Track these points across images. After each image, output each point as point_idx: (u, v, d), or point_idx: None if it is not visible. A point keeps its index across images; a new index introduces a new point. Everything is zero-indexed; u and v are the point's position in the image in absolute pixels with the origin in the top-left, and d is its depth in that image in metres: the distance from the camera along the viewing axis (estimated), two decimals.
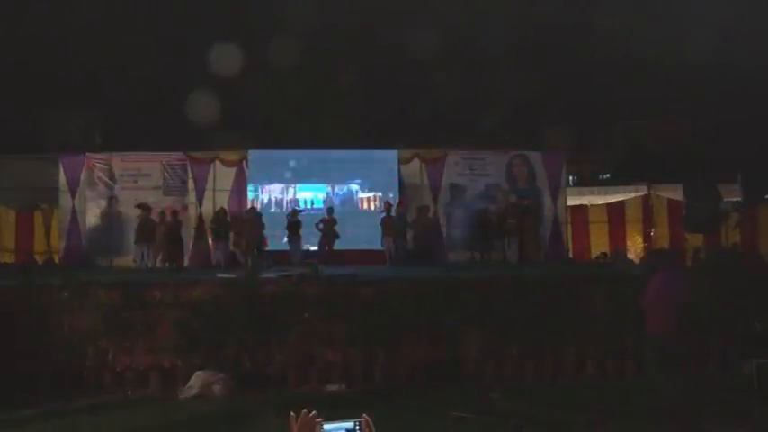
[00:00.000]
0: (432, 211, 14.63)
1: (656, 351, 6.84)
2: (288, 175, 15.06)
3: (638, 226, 15.91)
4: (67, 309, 8.32)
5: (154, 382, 8.19)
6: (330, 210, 13.92)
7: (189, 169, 14.58)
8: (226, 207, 14.00)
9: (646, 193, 15.64)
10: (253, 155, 14.95)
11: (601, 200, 16.25)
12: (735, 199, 14.47)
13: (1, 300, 8.41)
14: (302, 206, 14.43)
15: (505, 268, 12.18)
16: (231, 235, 13.58)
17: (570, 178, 16.52)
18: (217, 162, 14.74)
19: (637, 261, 13.51)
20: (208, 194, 14.54)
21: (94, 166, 14.50)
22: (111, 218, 14.26)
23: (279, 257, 12.95)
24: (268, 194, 14.93)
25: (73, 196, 14.31)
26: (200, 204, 14.46)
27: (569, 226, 15.46)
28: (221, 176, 14.66)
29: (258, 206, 14.29)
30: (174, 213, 13.62)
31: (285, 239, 13.53)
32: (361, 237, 13.92)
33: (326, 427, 1.88)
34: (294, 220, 13.53)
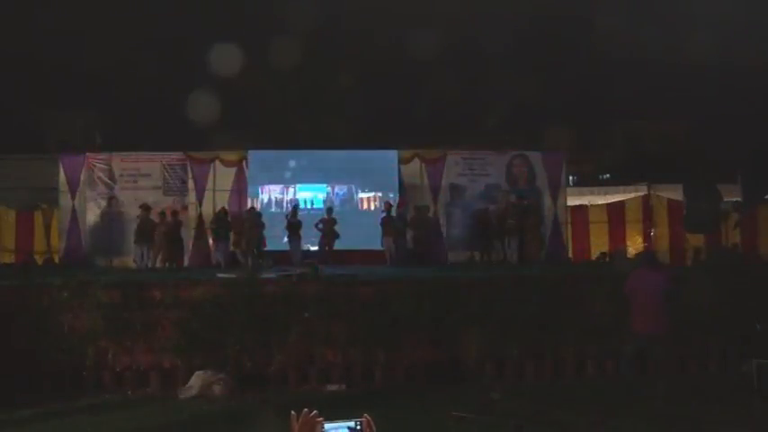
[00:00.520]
0: (432, 211, 14.64)
1: (631, 347, 7.09)
2: (288, 175, 15.06)
3: (638, 226, 15.90)
4: (67, 309, 8.32)
5: (154, 382, 8.19)
6: (330, 210, 13.92)
7: (189, 169, 14.58)
8: (226, 207, 14.00)
9: (646, 193, 15.63)
10: (253, 155, 14.94)
11: (601, 200, 16.25)
12: (735, 199, 14.46)
13: (1, 300, 8.41)
14: (302, 206, 14.43)
15: (505, 268, 12.19)
16: (231, 235, 13.58)
17: (570, 178, 16.51)
18: (217, 162, 14.74)
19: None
20: (208, 194, 14.54)
21: (94, 166, 14.50)
22: (111, 218, 14.25)
23: (279, 257, 12.95)
24: (268, 194, 14.93)
25: (73, 196, 14.31)
26: (201, 204, 14.47)
27: (569, 226, 15.46)
28: (221, 176, 14.66)
29: (258, 206, 14.30)
30: (174, 213, 13.63)
31: (285, 239, 13.53)
32: (361, 237, 13.91)
33: (327, 426, 1.88)
34: (294, 221, 13.53)
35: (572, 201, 15.66)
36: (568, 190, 15.75)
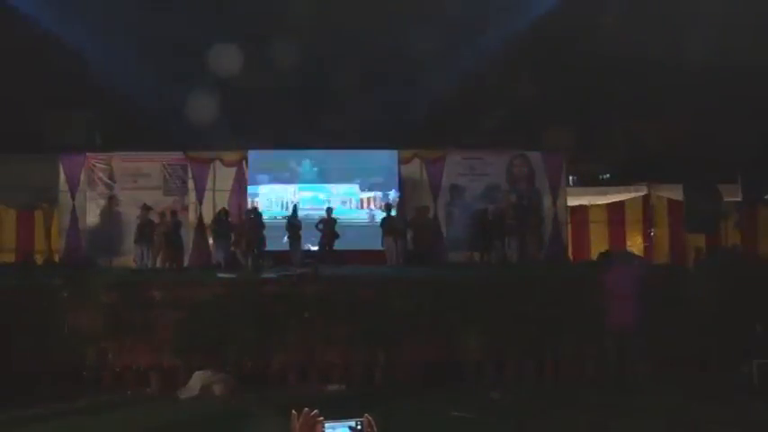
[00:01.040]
0: (432, 211, 14.64)
1: (610, 344, 7.33)
2: (288, 175, 15.06)
3: (638, 226, 15.91)
4: (67, 309, 8.32)
5: (154, 382, 8.19)
6: (330, 210, 13.92)
7: (189, 169, 14.59)
8: (226, 207, 14.00)
9: (646, 193, 15.61)
10: (253, 155, 14.94)
11: (601, 200, 16.21)
12: (735, 199, 14.44)
13: (1, 300, 8.41)
14: (302, 206, 14.43)
15: (505, 268, 12.19)
16: (231, 235, 13.58)
17: (570, 178, 16.48)
18: (217, 162, 14.74)
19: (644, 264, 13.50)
20: (208, 194, 14.54)
21: (94, 166, 14.51)
22: (111, 218, 14.26)
23: (279, 257, 12.95)
24: (268, 194, 14.93)
25: (73, 196, 14.32)
26: (201, 204, 14.47)
27: (569, 226, 15.46)
28: (221, 176, 14.66)
29: (258, 206, 14.29)
30: (174, 213, 13.62)
31: (285, 239, 13.54)
32: (361, 237, 13.92)
33: (328, 426, 1.88)
34: (294, 221, 13.53)
35: (572, 201, 15.64)
36: (568, 190, 15.74)
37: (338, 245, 13.55)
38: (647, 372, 7.77)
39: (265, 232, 13.42)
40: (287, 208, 14.41)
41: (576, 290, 8.90)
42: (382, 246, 13.41)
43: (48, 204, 14.75)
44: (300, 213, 13.77)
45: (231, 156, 14.98)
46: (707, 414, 6.59)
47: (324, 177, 15.06)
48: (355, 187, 15.09)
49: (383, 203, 14.21)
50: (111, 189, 14.41)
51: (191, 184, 14.51)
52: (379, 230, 13.45)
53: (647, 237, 15.60)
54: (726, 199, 13.46)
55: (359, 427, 1.89)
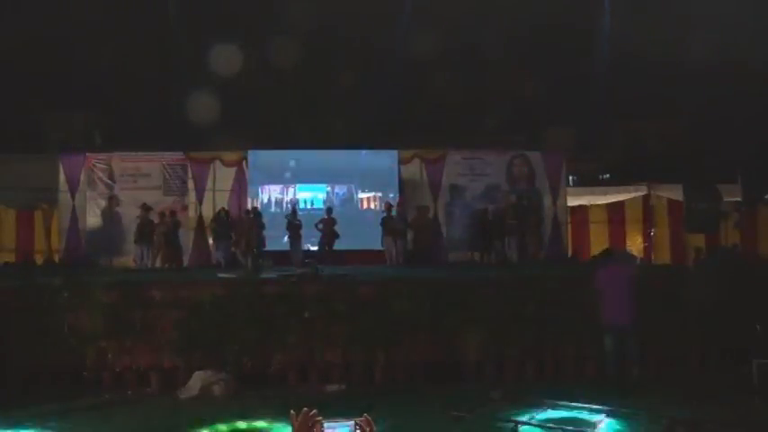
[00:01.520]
0: (432, 211, 14.64)
1: (608, 342, 7.38)
2: (288, 175, 15.06)
3: (638, 226, 15.90)
4: (67, 309, 8.32)
5: (154, 382, 8.19)
6: (330, 210, 13.92)
7: (189, 169, 14.58)
8: (226, 207, 14.01)
9: (646, 192, 15.61)
10: (253, 155, 14.94)
11: (601, 200, 16.21)
12: (735, 199, 14.43)
13: (1, 300, 8.41)
14: (302, 206, 14.44)
15: (505, 268, 12.19)
16: (231, 235, 13.58)
17: (570, 178, 16.48)
18: (217, 162, 14.73)
19: (638, 261, 13.51)
20: (208, 194, 14.54)
21: (94, 166, 14.50)
22: (111, 218, 14.26)
23: (279, 257, 12.95)
24: (268, 194, 14.93)
25: (73, 196, 14.32)
26: (200, 204, 14.47)
27: (569, 226, 15.46)
28: (221, 176, 14.66)
29: (258, 206, 14.30)
30: (173, 213, 13.63)
31: (285, 239, 13.54)
32: (361, 237, 13.92)
33: (327, 425, 1.88)
34: (295, 221, 13.53)
35: (572, 201, 15.65)
36: (568, 190, 15.74)
37: (338, 245, 13.55)
38: (642, 371, 7.77)
39: (265, 232, 13.42)
40: (287, 208, 14.41)
41: (575, 289, 8.89)
42: (382, 246, 13.41)
43: (48, 204, 14.76)
44: (300, 213, 13.79)
45: (231, 156, 14.98)
46: (707, 414, 6.59)
47: (324, 177, 15.05)
48: (355, 187, 15.09)
49: (383, 204, 14.21)
50: (111, 189, 14.40)
51: (191, 184, 14.50)
52: (379, 230, 13.45)
53: (647, 237, 15.59)
54: (726, 199, 13.46)
55: (357, 427, 1.90)
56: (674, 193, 14.50)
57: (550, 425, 6.35)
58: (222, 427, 6.58)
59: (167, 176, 14.58)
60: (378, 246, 13.46)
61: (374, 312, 8.36)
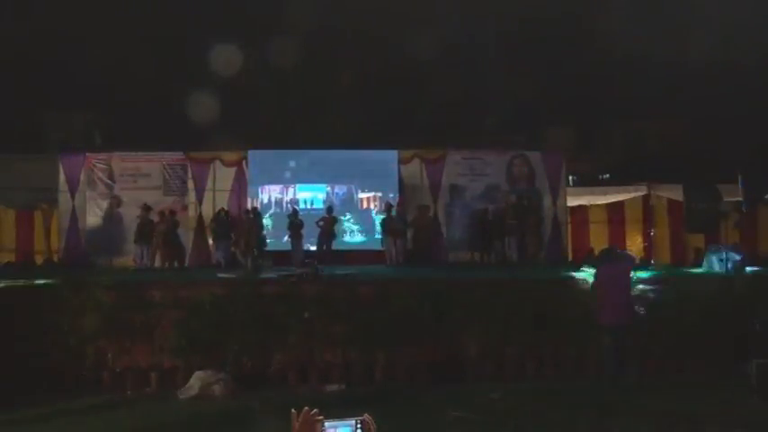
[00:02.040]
0: (432, 211, 14.64)
1: (608, 340, 7.40)
2: (288, 175, 15.06)
3: (638, 226, 15.89)
4: (67, 309, 8.32)
5: (154, 382, 8.20)
6: (330, 209, 13.92)
7: (189, 169, 14.59)
8: (226, 207, 14.01)
9: (646, 193, 15.60)
10: (253, 155, 14.94)
11: (601, 200, 16.20)
12: (735, 199, 14.43)
13: (1, 300, 8.41)
14: (302, 206, 14.43)
15: (505, 268, 12.18)
16: (231, 235, 13.58)
17: (570, 178, 16.47)
18: (217, 162, 14.74)
19: (637, 261, 13.52)
20: (208, 194, 14.54)
21: (94, 166, 14.50)
22: (110, 218, 14.26)
23: (279, 257, 12.95)
24: (268, 194, 14.93)
25: (73, 196, 14.31)
26: (200, 204, 14.47)
27: (569, 226, 15.46)
28: (221, 176, 14.66)
29: (258, 206, 14.29)
30: (172, 213, 13.63)
31: (285, 239, 13.54)
32: (360, 237, 13.92)
33: (328, 425, 1.88)
34: (296, 221, 13.53)
35: (572, 201, 15.64)
36: (568, 190, 15.74)
37: (338, 245, 13.55)
38: (639, 370, 7.79)
39: (265, 232, 13.42)
40: (287, 208, 14.41)
41: (575, 289, 8.89)
42: (382, 246, 13.41)
43: (48, 204, 14.76)
44: (300, 213, 13.79)
45: (231, 156, 14.98)
46: (707, 414, 6.59)
47: (324, 177, 15.05)
48: (355, 187, 15.08)
49: (383, 204, 14.21)
50: (111, 189, 14.40)
51: (191, 184, 14.50)
52: (379, 230, 13.45)
53: (646, 237, 15.59)
54: (726, 199, 13.45)
55: (358, 426, 1.89)
56: (674, 193, 14.48)
57: None
58: None
59: (167, 176, 14.58)
60: (378, 246, 13.48)
61: (374, 312, 8.36)
